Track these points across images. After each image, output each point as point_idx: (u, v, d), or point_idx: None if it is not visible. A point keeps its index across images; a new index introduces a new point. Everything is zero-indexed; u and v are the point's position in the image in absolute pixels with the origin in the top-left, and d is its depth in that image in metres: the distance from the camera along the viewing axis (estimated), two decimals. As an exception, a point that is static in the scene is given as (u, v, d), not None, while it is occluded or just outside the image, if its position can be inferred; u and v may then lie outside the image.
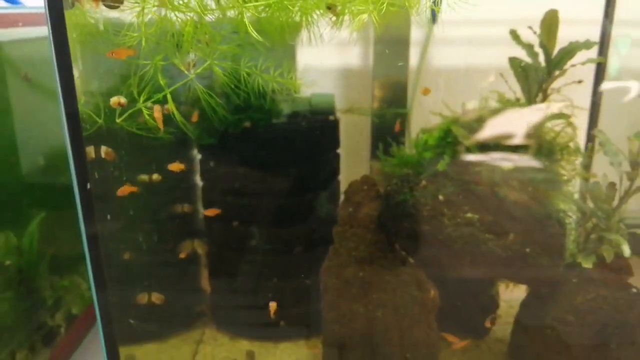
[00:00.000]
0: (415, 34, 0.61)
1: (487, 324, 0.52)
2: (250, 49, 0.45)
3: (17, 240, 0.49)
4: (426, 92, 0.52)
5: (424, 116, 0.57)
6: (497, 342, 0.52)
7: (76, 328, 0.58)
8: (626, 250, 0.43)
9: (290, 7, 0.39)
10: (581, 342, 0.45)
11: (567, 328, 0.46)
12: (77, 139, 0.29)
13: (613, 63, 0.56)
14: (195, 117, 0.45)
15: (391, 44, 0.60)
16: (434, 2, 0.61)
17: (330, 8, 0.36)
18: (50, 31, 0.30)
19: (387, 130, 0.57)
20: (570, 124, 0.47)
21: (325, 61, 0.65)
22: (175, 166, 0.47)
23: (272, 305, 0.49)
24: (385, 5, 0.36)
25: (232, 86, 0.43)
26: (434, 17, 0.63)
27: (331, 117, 0.52)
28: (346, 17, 0.45)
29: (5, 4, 0.61)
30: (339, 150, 0.54)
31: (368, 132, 0.62)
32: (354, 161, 0.59)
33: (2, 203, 0.49)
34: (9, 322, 0.49)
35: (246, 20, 0.35)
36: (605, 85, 0.57)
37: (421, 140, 0.51)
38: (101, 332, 0.39)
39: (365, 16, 0.36)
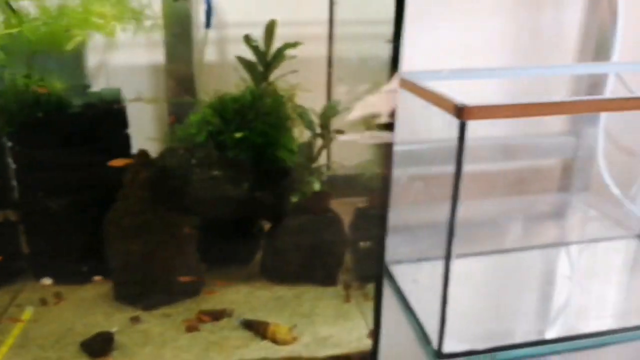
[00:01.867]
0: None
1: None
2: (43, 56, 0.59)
3: None
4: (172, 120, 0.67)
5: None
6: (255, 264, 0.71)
7: None
8: (316, 186, 0.62)
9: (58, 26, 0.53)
10: (296, 254, 0.65)
11: (285, 245, 0.65)
12: None
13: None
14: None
15: (177, 45, 0.76)
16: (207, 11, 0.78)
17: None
18: None
19: (178, 116, 0.73)
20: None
21: (126, 61, 0.81)
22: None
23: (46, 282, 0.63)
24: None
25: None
26: (208, 22, 0.80)
27: (116, 106, 0.67)
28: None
29: None
30: (128, 131, 0.69)
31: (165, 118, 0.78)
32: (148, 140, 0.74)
33: None
34: None
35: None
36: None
37: (190, 121, 0.67)
38: None
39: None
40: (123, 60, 0.79)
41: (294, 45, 0.64)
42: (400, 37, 0.43)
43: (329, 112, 0.63)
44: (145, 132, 0.73)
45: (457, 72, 0.72)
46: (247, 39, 0.64)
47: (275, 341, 0.56)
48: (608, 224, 0.96)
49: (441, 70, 0.73)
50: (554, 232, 0.95)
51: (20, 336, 0.57)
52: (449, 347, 0.59)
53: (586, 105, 0.49)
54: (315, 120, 0.64)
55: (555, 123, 1.12)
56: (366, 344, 0.56)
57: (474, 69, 0.79)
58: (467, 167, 1.18)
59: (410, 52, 1.06)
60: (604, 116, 1.01)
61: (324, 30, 0.73)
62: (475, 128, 1.16)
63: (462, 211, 1.06)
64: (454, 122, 0.49)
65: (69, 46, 0.55)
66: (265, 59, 0.63)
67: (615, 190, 0.96)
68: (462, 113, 0.48)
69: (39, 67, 0.62)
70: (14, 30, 0.52)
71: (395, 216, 0.67)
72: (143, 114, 0.75)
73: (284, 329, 0.56)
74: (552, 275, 0.79)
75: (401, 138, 0.75)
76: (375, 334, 0.55)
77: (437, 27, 1.03)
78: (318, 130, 0.64)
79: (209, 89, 0.70)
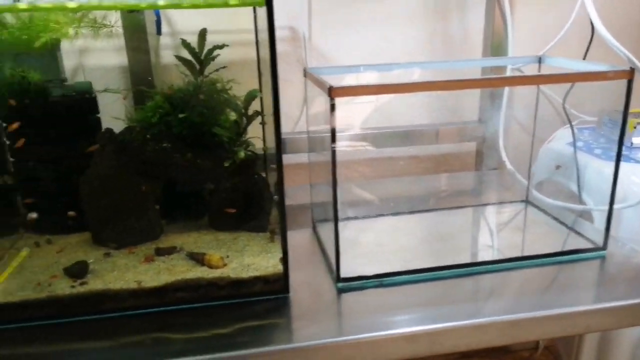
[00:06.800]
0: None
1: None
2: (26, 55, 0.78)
3: None
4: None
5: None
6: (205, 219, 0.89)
7: None
8: (242, 154, 0.81)
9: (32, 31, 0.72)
10: (235, 207, 0.84)
11: (224, 201, 0.84)
12: None
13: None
14: None
15: (136, 49, 0.96)
16: (157, 21, 0.98)
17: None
18: None
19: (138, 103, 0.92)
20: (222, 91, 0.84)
21: (100, 63, 1.00)
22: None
23: (32, 215, 0.82)
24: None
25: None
26: (158, 30, 1.00)
27: (87, 95, 0.85)
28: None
29: None
30: (99, 115, 0.87)
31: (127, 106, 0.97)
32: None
33: None
34: None
35: None
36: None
37: (147, 107, 0.86)
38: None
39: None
40: (98, 62, 0.99)
41: (221, 47, 0.83)
42: (275, 43, 0.62)
43: (249, 97, 0.82)
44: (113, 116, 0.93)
45: (362, 67, 0.92)
46: (184, 42, 0.83)
47: (210, 266, 0.75)
48: (506, 192, 1.16)
49: (351, 66, 0.93)
50: (466, 199, 1.15)
51: (17, 267, 0.76)
52: (345, 274, 0.78)
53: (427, 86, 0.69)
54: (240, 104, 0.83)
55: (472, 114, 1.34)
56: (280, 269, 0.75)
57: (378, 64, 0.98)
58: (400, 149, 1.40)
59: (340, 54, 1.27)
60: (504, 106, 1.22)
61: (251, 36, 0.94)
62: (404, 116, 1.38)
63: (398, 185, 1.27)
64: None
65: (37, 45, 0.73)
66: (199, 58, 0.82)
67: (509, 166, 1.17)
68: (331, 92, 0.67)
69: (24, 64, 0.81)
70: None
71: (324, 188, 0.88)
72: (113, 103, 0.94)
73: (216, 257, 0.75)
74: (456, 228, 0.99)
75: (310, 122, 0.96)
76: (284, 260, 0.74)
77: (365, 34, 1.24)
78: (242, 111, 0.83)
79: (160, 82, 0.89)
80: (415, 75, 1.04)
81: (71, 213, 0.80)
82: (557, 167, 1.05)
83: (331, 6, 1.19)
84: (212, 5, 0.60)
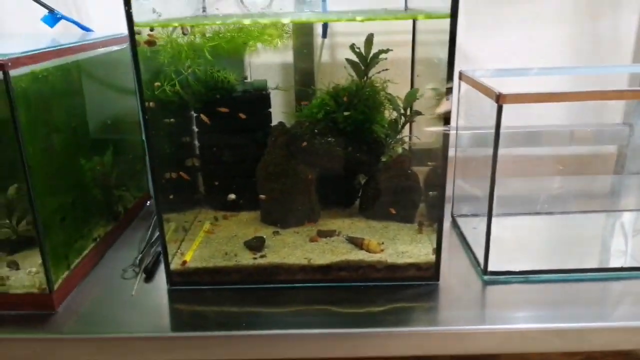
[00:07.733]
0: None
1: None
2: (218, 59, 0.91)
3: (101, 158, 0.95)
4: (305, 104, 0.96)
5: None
6: (355, 207, 0.98)
7: (129, 215, 1.05)
8: (399, 151, 0.89)
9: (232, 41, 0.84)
10: (387, 199, 0.91)
11: (376, 192, 0.92)
12: (142, 100, 0.74)
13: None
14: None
15: (302, 50, 1.06)
16: (324, 25, 1.08)
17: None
18: (130, 50, 0.73)
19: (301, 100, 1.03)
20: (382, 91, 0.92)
21: (269, 61, 1.12)
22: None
23: (231, 196, 0.95)
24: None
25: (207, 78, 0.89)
26: (324, 33, 1.09)
27: (264, 92, 0.97)
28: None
29: (83, 32, 1.06)
30: (270, 110, 0.99)
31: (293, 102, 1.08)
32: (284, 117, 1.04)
33: (93, 145, 0.94)
34: (98, 200, 0.95)
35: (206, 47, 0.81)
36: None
37: (312, 104, 0.96)
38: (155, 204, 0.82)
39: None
40: (264, 60, 1.11)
41: (386, 51, 0.90)
42: (455, 45, 0.68)
43: (410, 97, 0.89)
44: (280, 110, 1.04)
45: (511, 70, 0.95)
46: (352, 47, 0.91)
47: (368, 251, 0.83)
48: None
49: (498, 69, 0.97)
50: (605, 203, 1.14)
51: (204, 238, 0.90)
52: (492, 268, 0.83)
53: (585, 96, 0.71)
54: (400, 104, 0.90)
55: (613, 115, 1.31)
56: (431, 258, 0.82)
57: (529, 68, 1.01)
58: (536, 150, 1.39)
59: (484, 54, 1.30)
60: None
61: (408, 37, 1.00)
62: (542, 116, 1.37)
63: (532, 184, 1.28)
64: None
65: (248, 52, 0.84)
66: (365, 61, 0.90)
67: (658, 173, 1.14)
68: (499, 98, 0.72)
69: (219, 64, 0.94)
70: (215, 43, 0.84)
71: (462, 185, 0.94)
72: (278, 98, 1.06)
73: (374, 242, 0.84)
74: (597, 231, 1.00)
75: (464, 122, 1.01)
76: (437, 251, 0.80)
77: (509, 34, 1.26)
78: (402, 111, 0.90)
79: (325, 81, 0.99)
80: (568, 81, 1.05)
81: (262, 196, 0.92)
82: None
83: (476, 6, 1.21)
84: (402, 18, 0.67)
